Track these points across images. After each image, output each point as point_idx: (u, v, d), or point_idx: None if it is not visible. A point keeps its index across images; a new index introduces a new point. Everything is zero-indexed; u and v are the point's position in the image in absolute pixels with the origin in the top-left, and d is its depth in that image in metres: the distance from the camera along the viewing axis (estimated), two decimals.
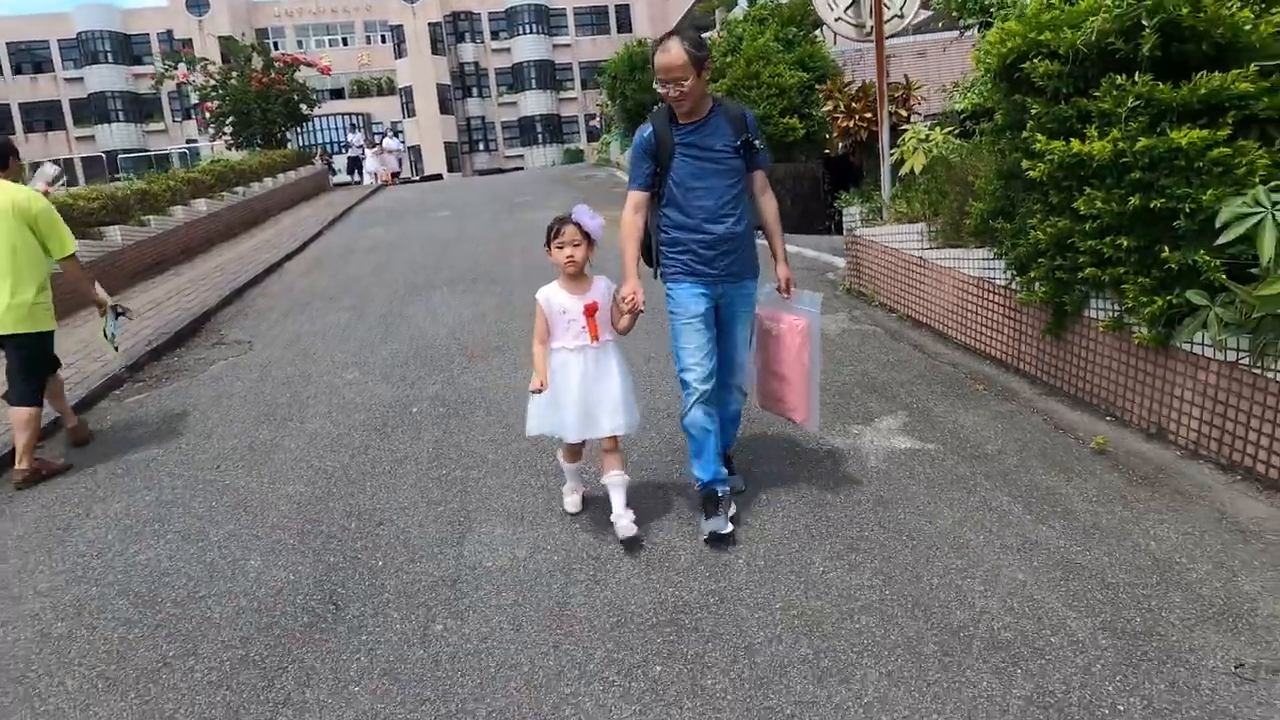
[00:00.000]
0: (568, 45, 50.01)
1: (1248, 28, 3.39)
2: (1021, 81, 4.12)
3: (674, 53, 3.07)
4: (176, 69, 20.72)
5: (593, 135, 41.26)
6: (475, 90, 50.08)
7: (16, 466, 4.45)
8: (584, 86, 48.49)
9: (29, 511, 4.18)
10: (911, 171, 5.94)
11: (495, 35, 49.80)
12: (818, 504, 3.52)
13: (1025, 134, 4.07)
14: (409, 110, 46.87)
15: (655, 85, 3.16)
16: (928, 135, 5.84)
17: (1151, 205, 3.46)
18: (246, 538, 3.64)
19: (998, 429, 4.17)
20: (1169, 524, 3.16)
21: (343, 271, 10.23)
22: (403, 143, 31.00)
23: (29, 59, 51.05)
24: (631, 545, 3.24)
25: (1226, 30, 3.38)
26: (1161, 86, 3.44)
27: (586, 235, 3.22)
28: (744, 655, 2.60)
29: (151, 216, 11.06)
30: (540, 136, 49.32)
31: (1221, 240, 3.15)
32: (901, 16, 6.68)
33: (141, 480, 4.41)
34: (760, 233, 3.50)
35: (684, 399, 3.36)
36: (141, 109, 51.25)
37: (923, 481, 3.67)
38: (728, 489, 3.39)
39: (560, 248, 3.23)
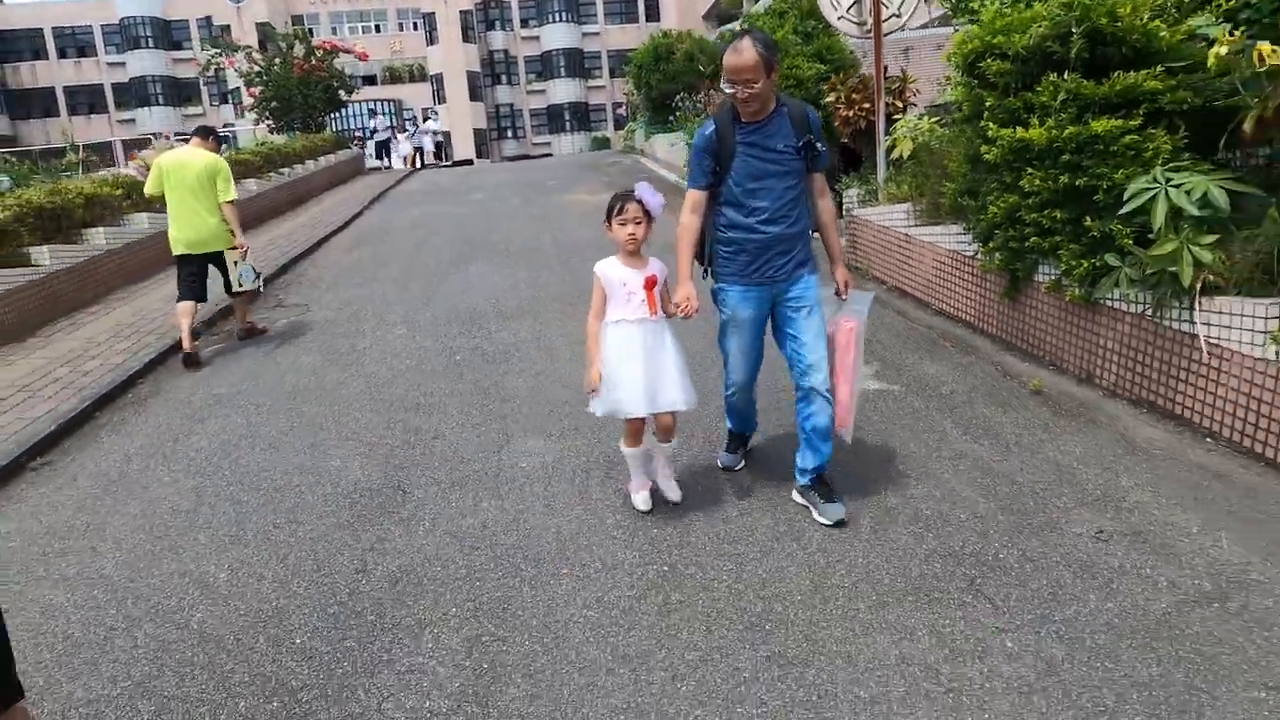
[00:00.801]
0: (597, 34, 50.54)
1: (1162, 34, 4.07)
2: (980, 77, 4.81)
3: (746, 54, 3.03)
4: (223, 56, 21.68)
5: (620, 123, 41.95)
6: (505, 77, 50.83)
7: (189, 344, 6.29)
8: (612, 75, 48.99)
9: (142, 430, 5.04)
10: (901, 157, 6.62)
11: (525, 23, 50.50)
12: (790, 425, 4.26)
13: (982, 123, 4.76)
14: (439, 96, 47.74)
15: (723, 85, 3.14)
16: (916, 124, 6.52)
17: (1078, 183, 4.16)
18: (325, 448, 4.46)
19: (955, 376, 4.89)
20: (1077, 443, 3.88)
21: (384, 247, 11.06)
22: (438, 127, 31.70)
23: (73, 43, 52.27)
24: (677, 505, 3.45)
25: (1141, 37, 4.06)
26: (1086, 83, 4.13)
27: (647, 214, 3.24)
28: (720, 523, 3.37)
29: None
30: (568, 124, 49.97)
31: (1124, 211, 3.85)
32: (899, 15, 7.33)
33: (230, 409, 5.25)
34: (816, 235, 3.45)
35: (726, 385, 3.60)
36: (180, 93, 52.37)
37: (883, 412, 4.41)
38: (753, 430, 3.78)
39: (623, 224, 3.23)
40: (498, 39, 50.38)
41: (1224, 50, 3.44)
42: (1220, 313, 3.62)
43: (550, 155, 41.39)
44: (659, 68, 19.23)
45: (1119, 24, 4.05)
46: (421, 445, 4.39)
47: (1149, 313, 4.00)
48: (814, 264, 3.38)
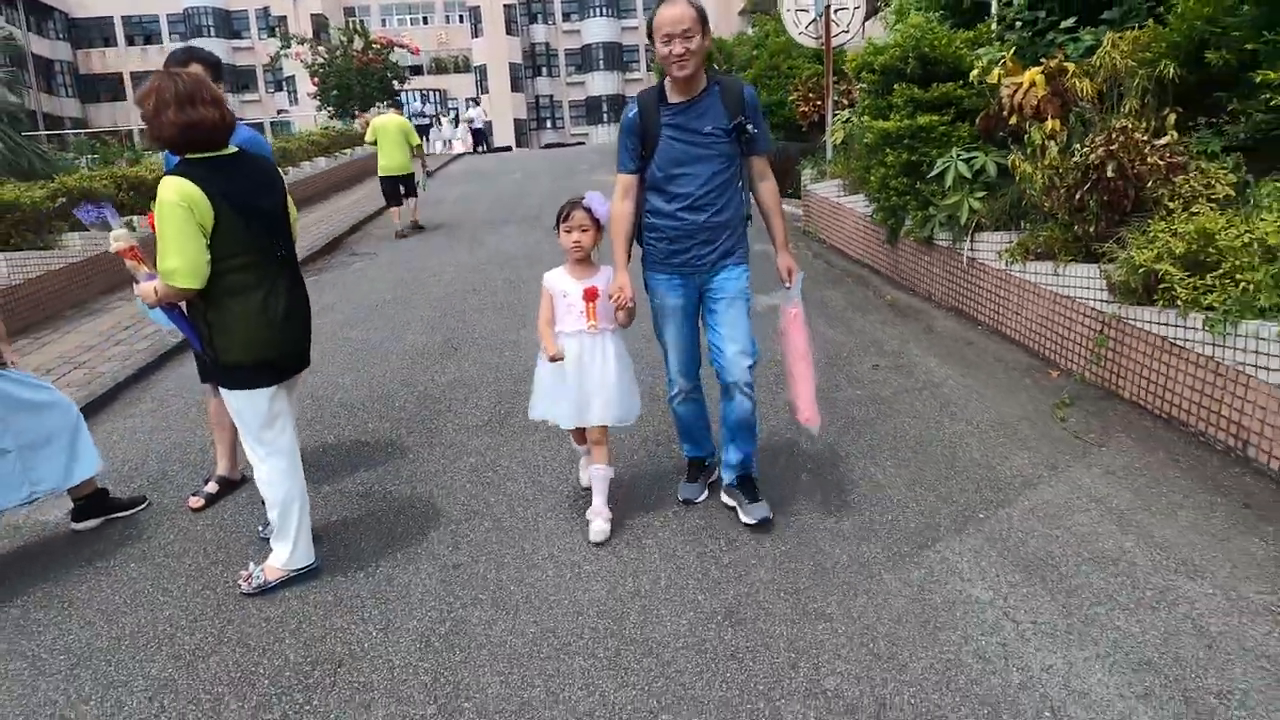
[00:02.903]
0: (635, 28, 52.29)
1: (964, 57, 6.02)
2: (865, 83, 6.79)
3: (681, 6, 2.89)
4: (291, 49, 24.12)
5: None
6: (545, 69, 52.92)
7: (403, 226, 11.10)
8: (648, 68, 50.83)
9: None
10: (837, 143, 8.56)
11: (567, 17, 52.55)
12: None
13: (865, 116, 6.74)
14: (483, 87, 50.05)
15: (657, 45, 2.93)
16: (847, 118, 8.46)
17: (913, 159, 6.13)
18: (404, 329, 6.60)
19: (842, 297, 6.88)
20: (894, 328, 5.88)
21: (436, 214, 13.24)
22: (483, 114, 33.57)
23: (140, 31, 55.00)
24: (601, 547, 3.18)
25: (952, 59, 6.01)
26: (918, 90, 6.09)
27: (596, 221, 3.14)
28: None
29: (290, 168, 14.30)
30: (605, 116, 51.82)
31: (931, 175, 5.82)
32: (846, 32, 9.27)
33: (333, 313, 7.42)
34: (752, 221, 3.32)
35: (668, 387, 3.38)
36: (238, 80, 54.71)
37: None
38: (714, 459, 3.46)
39: (569, 231, 3.14)
40: (539, 32, 52.46)
41: (976, 71, 5.40)
42: (982, 243, 5.59)
43: (583, 144, 43.53)
44: None
45: (938, 51, 6.01)
46: (466, 327, 6.52)
47: (951, 245, 5.97)
48: (744, 253, 3.23)
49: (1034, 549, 3.02)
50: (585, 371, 3.18)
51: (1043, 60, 5.03)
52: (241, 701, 2.48)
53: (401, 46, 24.46)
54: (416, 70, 52.34)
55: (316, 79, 23.56)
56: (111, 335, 6.77)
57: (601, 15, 51.40)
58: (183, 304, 2.93)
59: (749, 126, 3.03)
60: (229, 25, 54.32)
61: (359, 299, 7.81)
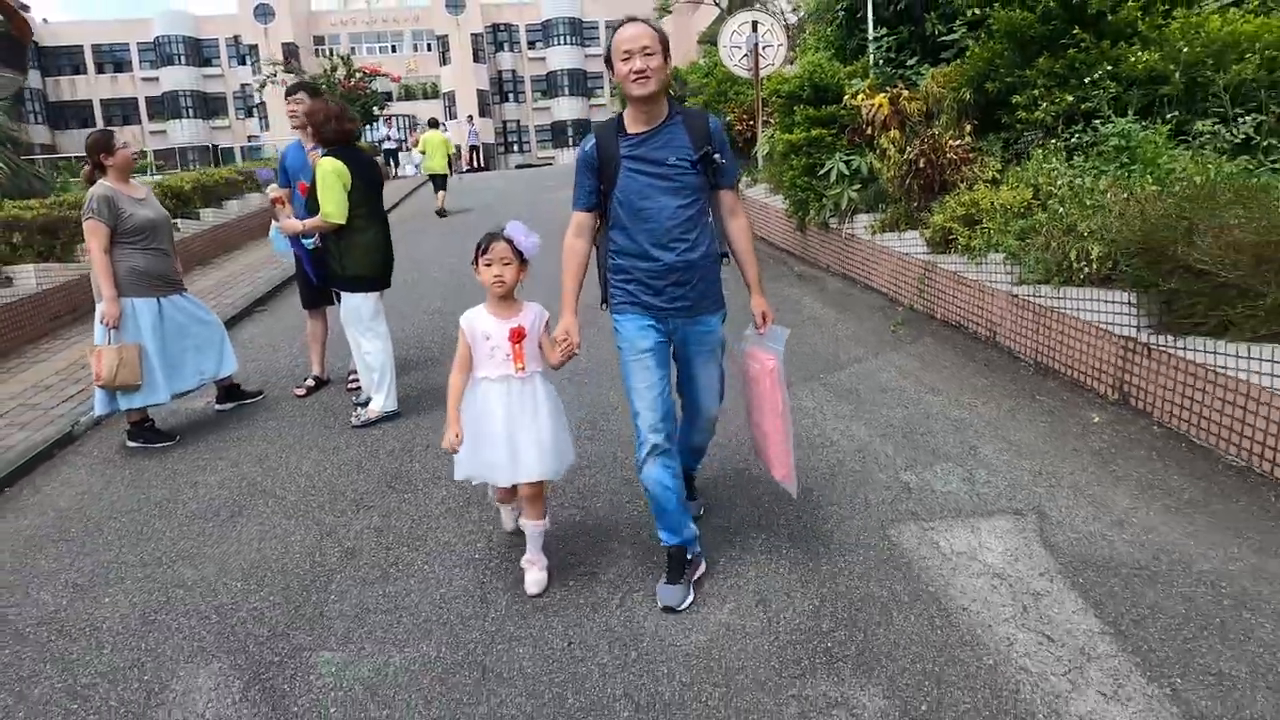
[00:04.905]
0: (599, 55, 54.54)
1: (846, 87, 8.00)
2: (773, 106, 8.75)
3: (640, 26, 2.79)
4: (278, 75, 25.73)
5: None
6: (512, 95, 54.90)
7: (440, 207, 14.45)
8: (613, 94, 52.95)
9: None
10: (764, 154, 10.53)
11: (532, 45, 54.61)
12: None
13: (777, 131, 8.70)
14: (451, 113, 51.85)
15: (617, 65, 2.78)
16: (772, 135, 10.42)
17: (811, 163, 8.08)
18: (421, 290, 8.37)
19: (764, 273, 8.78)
20: (797, 289, 7.79)
21: (425, 220, 15.06)
22: (475, 131, 34.97)
23: (110, 59, 55.08)
24: (537, 598, 2.98)
25: (837, 88, 8.00)
26: (813, 110, 8.06)
27: (519, 254, 2.90)
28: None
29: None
30: (571, 140, 53.58)
31: (822, 174, 7.77)
32: (772, 65, 11.27)
33: None
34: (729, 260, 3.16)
35: (637, 448, 2.90)
36: (209, 106, 55.35)
37: None
38: (698, 550, 3.04)
39: (488, 265, 2.88)
40: (506, 59, 54.43)
41: (847, 97, 7.37)
42: (858, 223, 7.54)
43: (551, 164, 45.54)
44: None
45: (826, 81, 8.00)
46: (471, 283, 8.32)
47: (837, 226, 7.92)
48: (720, 300, 3.05)
49: (847, 387, 4.92)
50: (515, 421, 2.90)
51: (888, 89, 7.01)
52: (353, 489, 4.27)
53: (384, 75, 26.22)
54: (386, 96, 54.02)
55: None
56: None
57: (565, 44, 53.48)
58: (305, 241, 4.75)
59: (716, 157, 2.87)
60: (199, 53, 54.77)
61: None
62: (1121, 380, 4.27)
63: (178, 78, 53.55)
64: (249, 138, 50.29)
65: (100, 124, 55.08)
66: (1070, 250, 4.45)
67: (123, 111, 54.66)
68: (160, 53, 53.95)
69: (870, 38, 8.34)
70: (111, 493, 4.25)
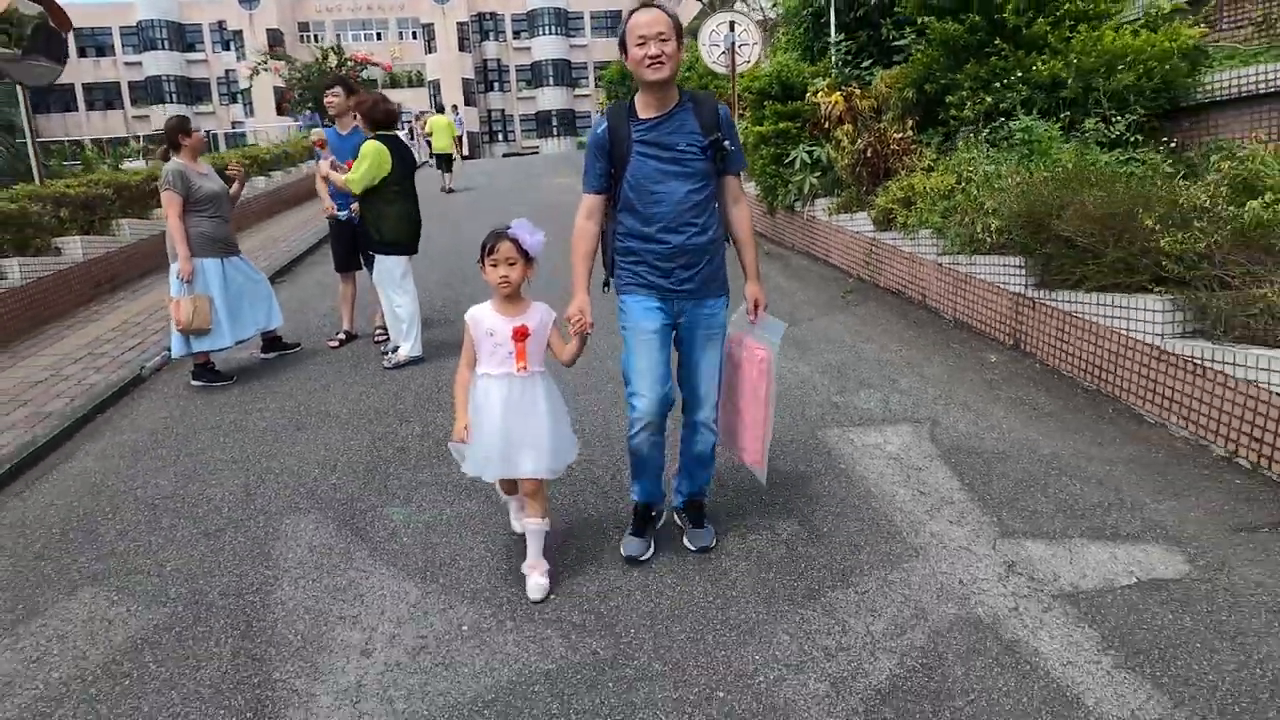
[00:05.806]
0: (584, 45, 54.88)
1: (809, 85, 8.98)
2: (745, 101, 9.72)
3: (656, 12, 2.82)
4: (269, 62, 26.35)
5: None
6: (497, 84, 55.22)
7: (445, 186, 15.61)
8: (598, 84, 53.51)
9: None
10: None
11: (517, 34, 54.89)
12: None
13: (749, 123, 9.67)
14: (436, 102, 52.30)
15: (632, 50, 2.83)
16: (746, 127, 11.40)
17: (778, 153, 9.05)
18: (439, 253, 9.28)
19: (732, 254, 9.76)
20: (765, 266, 8.75)
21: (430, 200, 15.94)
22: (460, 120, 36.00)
23: (93, 43, 54.41)
24: (540, 603, 2.94)
25: (801, 86, 8.98)
26: (780, 105, 9.03)
27: (524, 253, 2.89)
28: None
29: (290, 167, 16.86)
30: (555, 129, 54.12)
31: (787, 162, 8.76)
32: (748, 62, 12.23)
33: None
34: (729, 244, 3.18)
35: (629, 423, 3.01)
36: (192, 91, 54.85)
37: None
38: (662, 509, 3.26)
39: (494, 265, 2.89)
40: (491, 49, 54.68)
41: (809, 94, 8.36)
42: (818, 207, 8.54)
43: (537, 153, 46.23)
44: (625, 84, 24.14)
45: (792, 79, 8.98)
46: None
47: (801, 210, 8.92)
48: (725, 284, 3.11)
49: (798, 339, 5.92)
50: (511, 418, 2.93)
51: (844, 88, 8.00)
52: (395, 409, 5.23)
53: (375, 64, 26.90)
54: (371, 84, 54.19)
55: (290, 92, 25.85)
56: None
57: (551, 34, 53.76)
58: (340, 214, 5.74)
59: (726, 143, 2.92)
60: (183, 39, 54.30)
61: None
62: (1015, 329, 5.30)
63: (161, 63, 53.16)
64: (233, 124, 50.26)
65: (82, 108, 54.96)
66: (978, 224, 5.46)
67: (105, 96, 54.30)
68: (143, 37, 53.47)
69: (831, 41, 9.32)
70: (190, 417, 5.17)
